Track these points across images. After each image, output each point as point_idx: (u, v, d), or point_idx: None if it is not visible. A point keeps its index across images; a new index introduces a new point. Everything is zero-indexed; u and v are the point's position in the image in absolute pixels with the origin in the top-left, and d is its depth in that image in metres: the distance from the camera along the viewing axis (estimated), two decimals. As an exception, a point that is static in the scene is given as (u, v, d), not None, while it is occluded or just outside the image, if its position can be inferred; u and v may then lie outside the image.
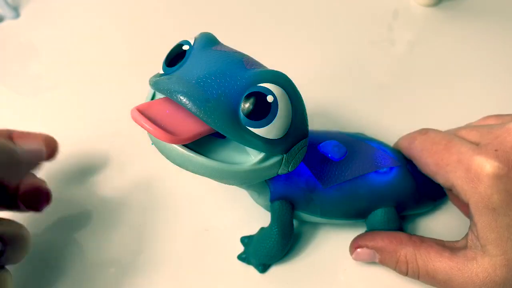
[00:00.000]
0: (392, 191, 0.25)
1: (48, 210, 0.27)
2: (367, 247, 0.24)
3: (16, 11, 0.41)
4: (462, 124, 0.26)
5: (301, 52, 0.38)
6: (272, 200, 0.24)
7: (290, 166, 0.20)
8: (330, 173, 0.24)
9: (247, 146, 0.19)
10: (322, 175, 0.24)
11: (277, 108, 0.18)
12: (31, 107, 0.34)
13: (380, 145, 0.27)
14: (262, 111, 0.18)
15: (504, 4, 0.42)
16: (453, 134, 0.23)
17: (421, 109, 0.33)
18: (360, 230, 0.26)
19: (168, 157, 0.19)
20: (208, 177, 0.19)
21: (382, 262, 0.24)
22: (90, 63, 0.38)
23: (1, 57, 0.38)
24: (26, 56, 0.38)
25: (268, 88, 0.18)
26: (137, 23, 0.41)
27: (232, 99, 0.18)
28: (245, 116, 0.18)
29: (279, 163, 0.20)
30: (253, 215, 0.27)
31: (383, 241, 0.24)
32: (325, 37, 0.39)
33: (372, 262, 0.25)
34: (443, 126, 0.26)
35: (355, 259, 0.25)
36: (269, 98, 0.18)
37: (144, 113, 0.18)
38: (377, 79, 0.36)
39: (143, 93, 0.21)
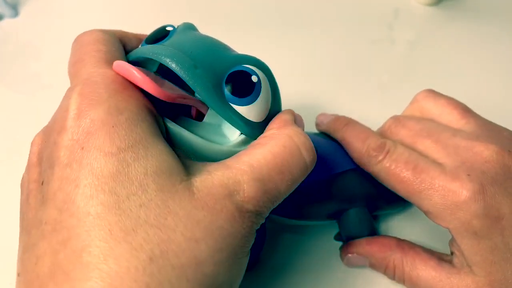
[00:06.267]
0: (360, 191, 0.25)
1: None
2: (358, 253, 0.24)
3: (15, 9, 0.41)
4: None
5: (301, 51, 0.38)
6: None
7: None
8: None
9: (228, 122, 0.19)
10: None
11: (260, 89, 0.19)
12: (30, 106, 0.34)
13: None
14: (246, 89, 0.18)
15: (504, 3, 0.42)
16: (417, 153, 0.22)
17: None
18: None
19: None
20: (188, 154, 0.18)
21: (372, 267, 0.24)
22: (89, 62, 0.37)
23: (0, 56, 0.38)
24: (25, 55, 0.38)
25: (253, 69, 0.19)
26: (136, 22, 0.41)
27: (218, 72, 0.18)
28: (229, 92, 0.18)
29: None
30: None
31: (373, 247, 0.24)
32: (325, 36, 0.39)
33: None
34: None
35: (347, 264, 0.25)
36: (254, 78, 0.18)
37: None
38: (377, 78, 0.36)
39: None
